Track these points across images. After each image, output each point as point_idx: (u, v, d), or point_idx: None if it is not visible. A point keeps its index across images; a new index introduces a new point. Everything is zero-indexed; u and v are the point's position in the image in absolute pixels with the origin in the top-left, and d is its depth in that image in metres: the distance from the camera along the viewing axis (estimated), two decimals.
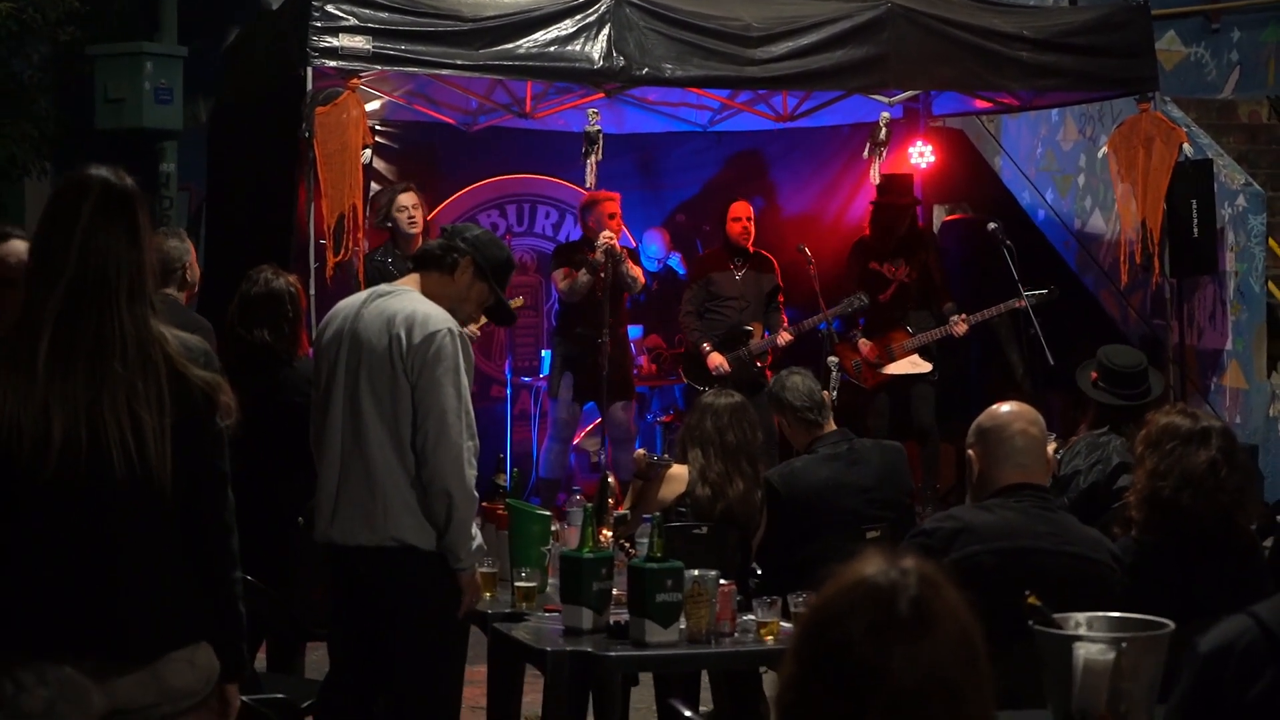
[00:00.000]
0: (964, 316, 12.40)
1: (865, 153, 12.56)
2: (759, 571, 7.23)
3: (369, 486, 6.01)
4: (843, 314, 12.43)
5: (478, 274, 6.29)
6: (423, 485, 5.99)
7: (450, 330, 6.00)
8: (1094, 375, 7.97)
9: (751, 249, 12.63)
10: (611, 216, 11.87)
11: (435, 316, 6.03)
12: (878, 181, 12.71)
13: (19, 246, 5.26)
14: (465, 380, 6.04)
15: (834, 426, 7.90)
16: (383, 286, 6.33)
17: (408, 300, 6.10)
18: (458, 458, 5.98)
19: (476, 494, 6.12)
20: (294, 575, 7.00)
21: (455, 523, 5.99)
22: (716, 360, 12.29)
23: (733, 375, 11.95)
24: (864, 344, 12.61)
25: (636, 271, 12.01)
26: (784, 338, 12.37)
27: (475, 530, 6.15)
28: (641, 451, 7.96)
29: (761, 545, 7.51)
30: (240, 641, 4.36)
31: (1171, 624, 4.29)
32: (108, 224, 4.16)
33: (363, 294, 6.33)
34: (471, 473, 6.03)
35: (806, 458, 7.73)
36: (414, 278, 6.30)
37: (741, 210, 12.67)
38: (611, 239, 11.61)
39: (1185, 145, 11.95)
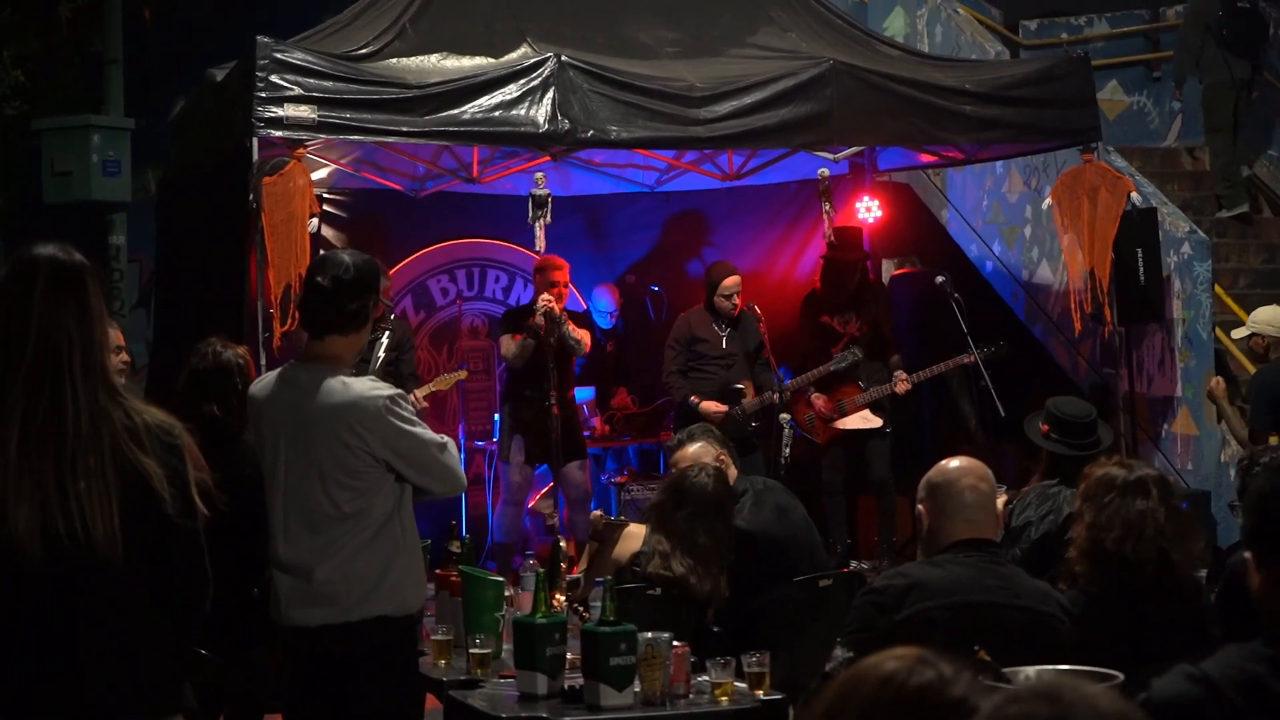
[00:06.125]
0: (905, 376, 12.40)
1: (824, 212, 12.52)
2: (715, 630, 7.25)
3: (334, 565, 5.93)
4: (837, 368, 12.35)
5: (374, 304, 6.22)
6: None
7: (390, 396, 5.96)
8: (1044, 427, 8.00)
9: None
10: (553, 286, 11.87)
11: (369, 391, 5.95)
12: (830, 237, 12.72)
13: None
14: (420, 423, 6.04)
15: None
16: (289, 371, 6.15)
17: (334, 383, 5.96)
18: (454, 472, 6.05)
19: (465, 479, 6.26)
20: (251, 649, 6.97)
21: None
22: (712, 408, 12.15)
23: (725, 434, 11.82)
24: (817, 398, 12.59)
25: (580, 334, 11.98)
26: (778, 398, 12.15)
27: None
28: (599, 513, 7.97)
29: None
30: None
31: (1121, 675, 4.31)
32: (59, 303, 4.21)
33: (273, 380, 6.18)
34: (460, 472, 6.15)
35: (747, 515, 7.79)
36: (318, 345, 6.10)
37: (732, 285, 12.36)
38: (550, 301, 11.61)
39: (1133, 194, 12.03)
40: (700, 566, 7.32)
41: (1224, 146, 15.51)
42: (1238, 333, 11.81)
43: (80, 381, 4.18)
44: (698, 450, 8.00)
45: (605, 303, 13.71)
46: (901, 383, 12.37)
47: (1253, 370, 11.98)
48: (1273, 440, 11.13)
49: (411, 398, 11.34)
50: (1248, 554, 3.49)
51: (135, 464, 4.17)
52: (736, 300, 12.38)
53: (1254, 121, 16.23)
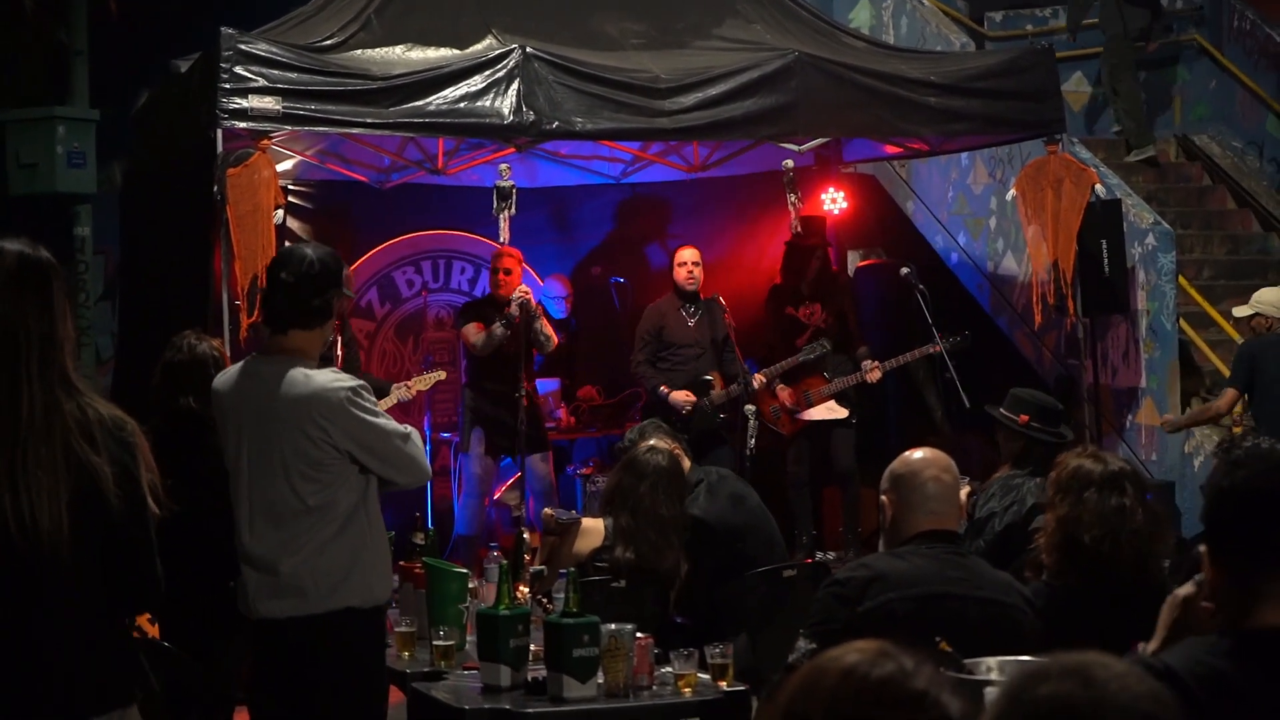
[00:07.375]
0: (877, 363, 12.42)
1: (790, 204, 12.55)
2: (679, 621, 7.26)
3: (301, 559, 5.92)
4: (805, 360, 12.36)
5: (337, 298, 6.20)
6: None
7: (351, 388, 5.96)
8: (1024, 417, 7.96)
9: (702, 295, 12.54)
10: (508, 273, 11.88)
11: (330, 383, 5.95)
12: (797, 228, 12.76)
13: None
14: (383, 413, 6.04)
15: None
16: (251, 364, 6.16)
17: (296, 375, 5.97)
18: (417, 462, 6.05)
19: (430, 469, 6.29)
20: (226, 644, 6.96)
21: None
22: (681, 397, 12.16)
23: (693, 426, 11.82)
24: (782, 390, 12.59)
25: (550, 329, 12.01)
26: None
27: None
28: (549, 511, 7.96)
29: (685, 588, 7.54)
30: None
31: None
32: (19, 295, 4.23)
33: (235, 373, 6.19)
34: (425, 462, 6.16)
35: (702, 504, 7.82)
36: (281, 339, 6.08)
37: (688, 255, 12.51)
38: (528, 293, 11.61)
39: (1097, 186, 12.06)
40: (662, 540, 7.36)
41: (1127, 92, 15.96)
42: (1239, 311, 11.82)
43: (36, 376, 4.19)
44: (653, 445, 8.01)
45: (556, 289, 13.69)
46: (874, 370, 12.38)
47: (1217, 361, 12.05)
48: (1237, 411, 11.26)
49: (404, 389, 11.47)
50: (1203, 548, 3.50)
51: (85, 461, 4.18)
52: (693, 271, 12.39)
53: (1215, 116, 16.32)
